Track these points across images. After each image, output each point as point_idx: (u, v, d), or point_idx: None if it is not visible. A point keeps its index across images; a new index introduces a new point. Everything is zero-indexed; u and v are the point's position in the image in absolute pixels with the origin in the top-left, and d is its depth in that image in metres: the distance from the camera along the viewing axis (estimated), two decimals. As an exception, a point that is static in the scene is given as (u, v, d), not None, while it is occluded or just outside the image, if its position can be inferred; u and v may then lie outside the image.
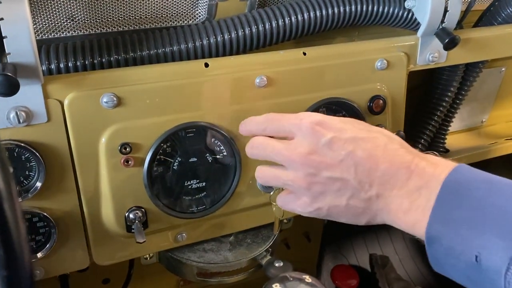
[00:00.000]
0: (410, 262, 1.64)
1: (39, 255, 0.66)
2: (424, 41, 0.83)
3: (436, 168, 0.52)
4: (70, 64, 0.68)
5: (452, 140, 1.14)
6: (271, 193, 0.75)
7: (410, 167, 0.52)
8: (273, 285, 0.47)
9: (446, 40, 0.79)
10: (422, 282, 1.60)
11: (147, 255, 0.79)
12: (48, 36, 0.71)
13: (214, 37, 0.73)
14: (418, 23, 0.82)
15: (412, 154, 0.55)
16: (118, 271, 1.03)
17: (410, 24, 0.84)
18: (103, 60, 0.70)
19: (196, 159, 0.71)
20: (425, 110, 1.02)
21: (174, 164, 0.70)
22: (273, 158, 0.60)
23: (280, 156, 0.59)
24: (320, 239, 1.40)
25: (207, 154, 0.72)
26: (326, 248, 1.58)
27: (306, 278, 0.49)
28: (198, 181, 0.72)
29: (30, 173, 0.63)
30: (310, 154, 0.56)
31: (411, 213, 0.52)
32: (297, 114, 0.60)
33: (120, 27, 0.75)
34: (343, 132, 0.55)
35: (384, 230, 1.66)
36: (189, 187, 0.72)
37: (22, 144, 0.61)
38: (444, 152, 1.08)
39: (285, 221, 0.91)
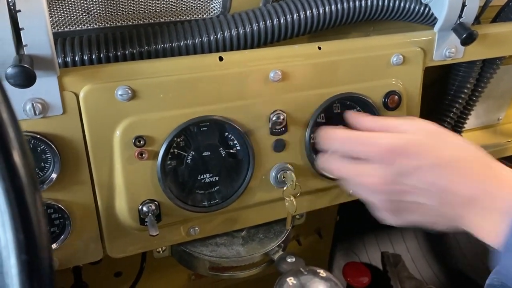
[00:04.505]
0: (422, 261, 1.63)
1: (53, 246, 0.67)
2: (441, 36, 0.82)
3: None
4: (85, 57, 0.68)
5: (467, 138, 1.12)
6: (284, 188, 0.75)
7: (492, 192, 0.52)
8: (287, 279, 0.47)
9: (464, 35, 0.78)
10: (435, 281, 1.58)
11: (160, 249, 0.80)
12: (63, 29, 0.71)
13: (228, 31, 0.73)
14: (435, 18, 0.81)
15: (491, 179, 0.52)
16: (130, 264, 1.03)
17: (427, 19, 0.82)
18: (118, 53, 0.70)
19: (209, 153, 0.71)
20: (440, 106, 1.00)
21: (188, 158, 0.70)
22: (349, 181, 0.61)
23: (358, 184, 0.60)
24: (332, 236, 1.40)
25: (221, 148, 0.72)
26: (337, 246, 1.57)
27: (321, 272, 0.49)
28: (211, 175, 0.72)
29: (46, 165, 0.64)
30: (391, 183, 0.56)
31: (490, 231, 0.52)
32: (371, 137, 0.58)
33: (135, 20, 0.75)
34: (422, 157, 0.54)
35: (396, 229, 1.65)
36: (202, 181, 0.72)
37: (38, 136, 0.61)
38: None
39: (297, 217, 0.90)
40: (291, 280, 0.47)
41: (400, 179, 0.55)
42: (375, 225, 1.69)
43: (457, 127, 1.04)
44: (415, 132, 0.56)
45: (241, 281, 1.25)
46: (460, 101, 0.98)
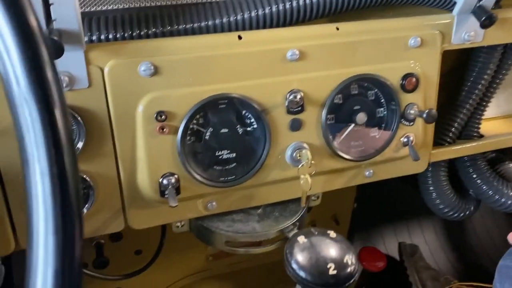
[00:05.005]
0: (440, 253, 1.62)
1: (77, 215, 0.70)
2: (460, 19, 0.82)
3: None
4: (110, 36, 0.71)
5: (487, 127, 1.12)
6: (299, 166, 0.76)
7: None
8: (298, 238, 0.49)
9: (483, 18, 0.78)
10: (453, 273, 1.57)
11: (179, 223, 0.82)
12: (90, 9, 0.75)
13: (248, 12, 0.75)
14: (455, 3, 0.81)
15: None
16: (150, 243, 1.07)
17: (445, 4, 0.83)
18: (142, 33, 0.73)
19: (227, 130, 0.73)
20: (459, 93, 1.00)
21: (206, 134, 0.72)
22: None
23: None
24: (349, 224, 1.41)
25: (238, 126, 0.74)
26: (355, 235, 1.58)
27: (331, 233, 0.50)
28: (228, 152, 0.74)
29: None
30: None
31: None
32: None
33: (158, 1, 0.78)
34: None
35: (415, 220, 1.64)
36: (220, 157, 0.74)
37: (65, 108, 0.64)
38: (478, 137, 1.06)
39: (313, 198, 0.91)
40: (301, 239, 0.49)
41: None
42: (394, 216, 1.69)
43: (476, 114, 1.03)
44: None
45: (255, 266, 1.28)
46: (479, 87, 0.98)
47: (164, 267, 1.20)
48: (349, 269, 0.46)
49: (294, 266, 0.47)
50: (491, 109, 1.08)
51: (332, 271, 0.45)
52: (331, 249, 0.47)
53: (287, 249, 0.49)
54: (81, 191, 0.27)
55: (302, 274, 0.46)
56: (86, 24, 0.71)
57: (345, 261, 0.46)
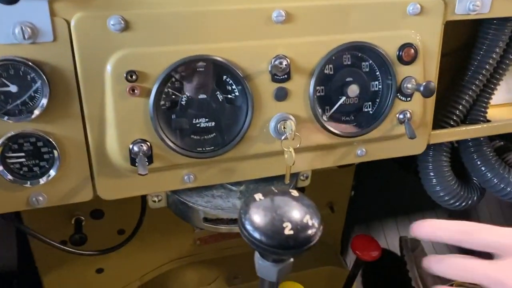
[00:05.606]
0: (444, 249, 1.55)
1: (42, 180, 0.66)
2: (465, -14, 0.76)
3: None
4: None
5: (496, 114, 1.05)
6: (282, 138, 0.71)
7: None
8: (255, 195, 0.43)
9: (490, -17, 0.71)
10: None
11: (156, 198, 0.77)
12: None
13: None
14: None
15: None
16: (134, 222, 1.02)
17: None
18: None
19: (205, 96, 0.68)
20: (465, 73, 0.93)
21: (182, 99, 0.67)
22: (474, 280, 0.53)
23: (486, 278, 0.51)
24: (345, 212, 1.34)
25: (218, 92, 0.69)
26: (354, 227, 1.52)
27: (293, 192, 0.45)
28: (207, 120, 0.69)
29: (36, 95, 0.62)
30: None
31: None
32: (500, 230, 0.53)
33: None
34: None
35: (418, 214, 1.57)
36: (197, 125, 0.69)
37: (28, 62, 0.60)
38: (484, 122, 0.99)
39: (301, 177, 0.85)
40: (258, 196, 0.43)
41: None
42: (396, 208, 1.62)
43: (482, 98, 0.96)
44: None
45: (244, 252, 1.22)
46: (487, 67, 0.91)
47: (149, 250, 1.16)
48: (309, 231, 0.40)
49: (248, 227, 0.41)
50: (501, 94, 1.01)
51: (288, 231, 0.40)
52: (289, 208, 0.41)
53: (242, 209, 0.43)
54: None
55: (256, 235, 0.41)
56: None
57: (304, 221, 0.41)
